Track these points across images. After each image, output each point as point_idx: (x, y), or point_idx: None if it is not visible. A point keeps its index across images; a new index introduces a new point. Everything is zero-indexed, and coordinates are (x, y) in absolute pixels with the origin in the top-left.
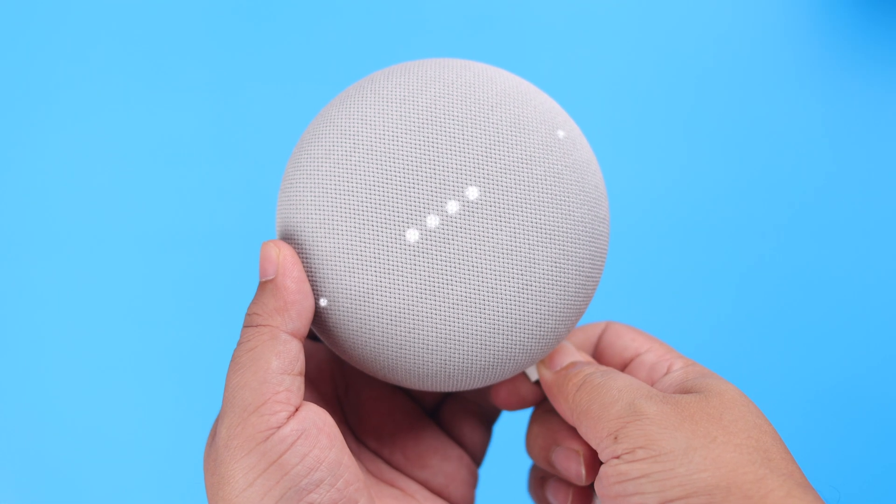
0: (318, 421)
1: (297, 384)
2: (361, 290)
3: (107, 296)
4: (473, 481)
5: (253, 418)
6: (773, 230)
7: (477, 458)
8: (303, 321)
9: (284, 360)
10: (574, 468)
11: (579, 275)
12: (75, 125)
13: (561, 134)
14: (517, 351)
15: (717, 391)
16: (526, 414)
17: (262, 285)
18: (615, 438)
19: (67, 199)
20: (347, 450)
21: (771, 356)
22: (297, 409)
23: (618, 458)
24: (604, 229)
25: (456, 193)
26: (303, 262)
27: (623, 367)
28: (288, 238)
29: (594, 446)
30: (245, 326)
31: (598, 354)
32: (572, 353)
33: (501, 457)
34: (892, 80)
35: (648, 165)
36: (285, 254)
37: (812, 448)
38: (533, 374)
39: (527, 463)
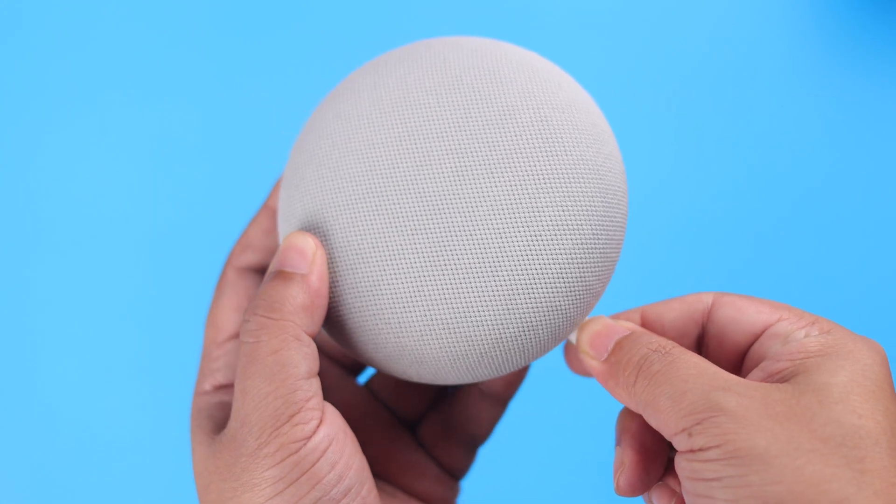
0: (343, 424)
1: (319, 385)
2: (369, 283)
3: (102, 296)
4: (454, 495)
5: (286, 428)
6: (774, 230)
7: (458, 475)
8: (319, 327)
9: (311, 362)
10: None
11: (592, 214)
12: (70, 124)
13: (541, 79)
14: (546, 311)
15: (818, 383)
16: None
17: (287, 276)
18: (689, 435)
19: (60, 199)
20: (361, 449)
21: None
22: (323, 414)
23: (692, 452)
24: (612, 165)
25: (442, 162)
26: None
27: (751, 344)
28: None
29: (665, 436)
30: (261, 316)
31: (713, 337)
32: (613, 329)
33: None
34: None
35: (646, 165)
36: (322, 255)
37: None
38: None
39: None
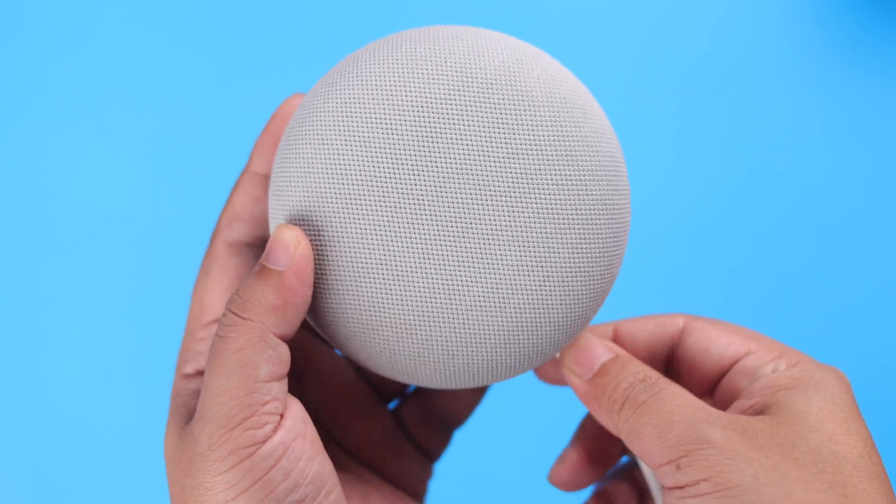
0: (302, 427)
1: (283, 388)
2: (371, 300)
3: (102, 296)
4: (427, 477)
5: (237, 432)
6: (773, 230)
7: (433, 457)
8: (295, 326)
9: (274, 365)
10: None
11: (603, 255)
12: (70, 124)
13: (569, 105)
14: (544, 344)
15: (793, 414)
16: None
17: (265, 272)
18: (677, 467)
19: (60, 199)
20: (324, 450)
21: None
22: (281, 417)
23: (681, 488)
24: (624, 200)
25: (462, 187)
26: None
27: (720, 377)
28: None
29: (649, 465)
30: (232, 312)
31: (683, 363)
32: (599, 350)
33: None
34: None
35: (644, 165)
36: (303, 250)
37: None
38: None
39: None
